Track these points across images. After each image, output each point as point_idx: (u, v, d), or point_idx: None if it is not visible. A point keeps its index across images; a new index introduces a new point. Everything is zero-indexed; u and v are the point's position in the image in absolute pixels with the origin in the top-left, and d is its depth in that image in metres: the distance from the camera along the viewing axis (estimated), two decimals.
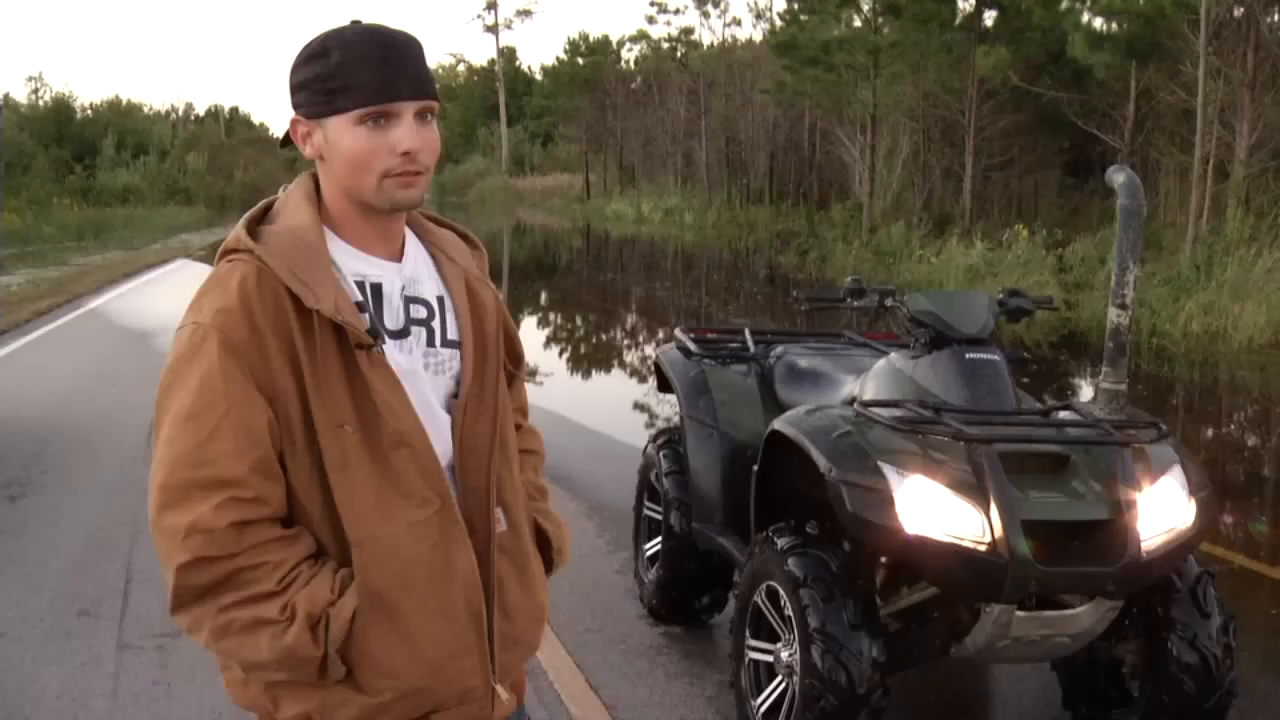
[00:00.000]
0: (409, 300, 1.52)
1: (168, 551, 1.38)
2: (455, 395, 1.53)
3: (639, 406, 8.88)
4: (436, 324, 1.54)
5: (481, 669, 1.51)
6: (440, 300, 1.55)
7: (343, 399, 1.41)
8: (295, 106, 1.46)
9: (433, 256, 1.59)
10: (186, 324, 1.43)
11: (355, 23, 1.45)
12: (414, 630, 1.44)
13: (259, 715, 1.51)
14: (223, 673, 1.52)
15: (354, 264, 1.48)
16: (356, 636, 1.40)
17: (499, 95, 60.76)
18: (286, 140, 1.50)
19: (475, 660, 1.50)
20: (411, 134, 1.42)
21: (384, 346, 1.45)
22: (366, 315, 1.45)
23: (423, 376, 1.50)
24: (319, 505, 1.43)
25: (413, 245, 1.57)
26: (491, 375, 1.57)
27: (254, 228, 1.47)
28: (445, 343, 1.54)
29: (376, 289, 1.49)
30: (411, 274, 1.54)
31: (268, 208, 1.52)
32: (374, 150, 1.41)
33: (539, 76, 64.31)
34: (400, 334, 1.50)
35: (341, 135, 1.42)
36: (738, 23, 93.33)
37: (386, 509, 1.42)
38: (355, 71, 1.40)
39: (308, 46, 1.45)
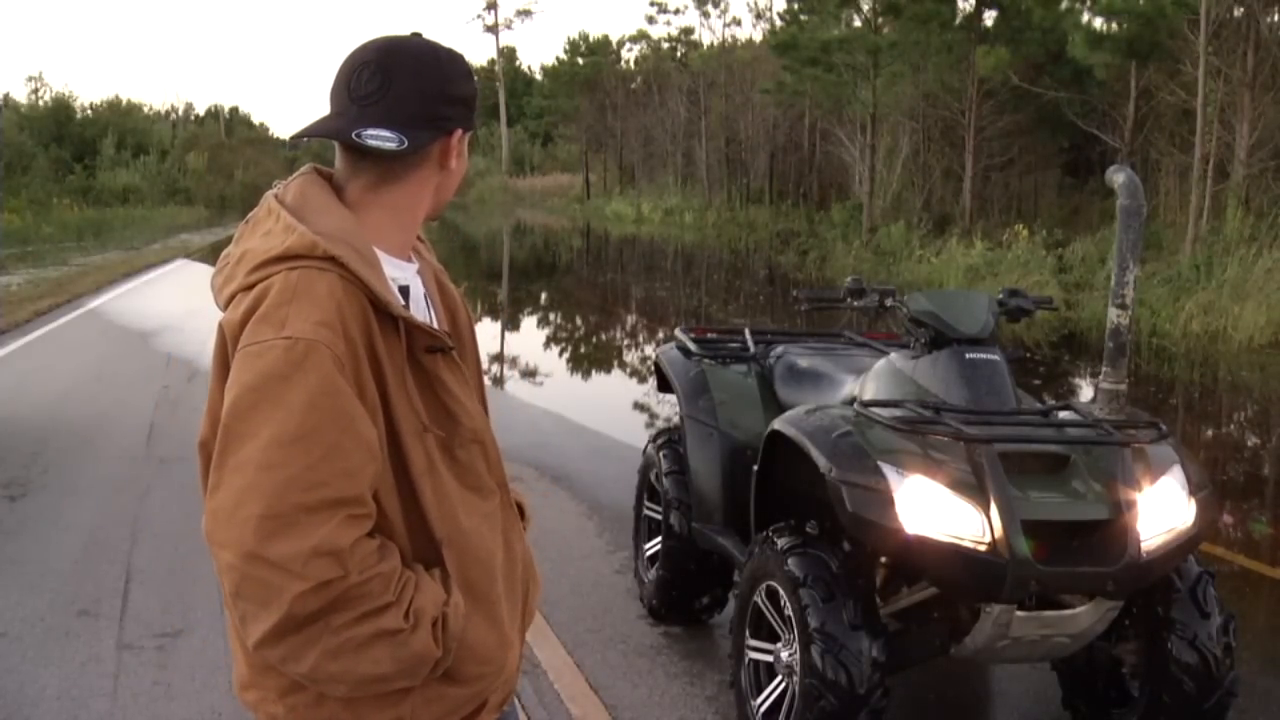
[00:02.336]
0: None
1: (279, 582, 1.27)
2: None
3: (639, 406, 8.88)
4: (432, 321, 1.57)
5: (520, 642, 1.60)
6: (426, 298, 1.58)
7: (420, 404, 1.43)
8: (450, 119, 1.47)
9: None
10: (273, 340, 1.32)
11: (418, 34, 1.50)
12: (499, 615, 1.49)
13: None
14: (285, 698, 1.42)
15: (389, 269, 1.48)
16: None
17: (499, 95, 60.73)
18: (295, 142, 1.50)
19: (518, 635, 1.59)
20: None
21: None
22: None
23: None
24: (399, 511, 1.42)
25: None
26: (471, 362, 1.61)
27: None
28: None
29: (405, 291, 1.50)
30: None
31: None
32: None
33: (539, 76, 64.36)
34: None
35: (464, 149, 1.52)
36: (738, 23, 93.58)
37: (466, 505, 1.47)
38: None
39: (462, 62, 1.49)
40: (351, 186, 1.47)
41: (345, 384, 1.33)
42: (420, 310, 1.52)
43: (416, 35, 1.48)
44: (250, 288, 1.38)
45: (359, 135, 1.39)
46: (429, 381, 1.44)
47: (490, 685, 1.51)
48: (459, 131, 1.48)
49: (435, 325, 1.56)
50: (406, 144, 1.41)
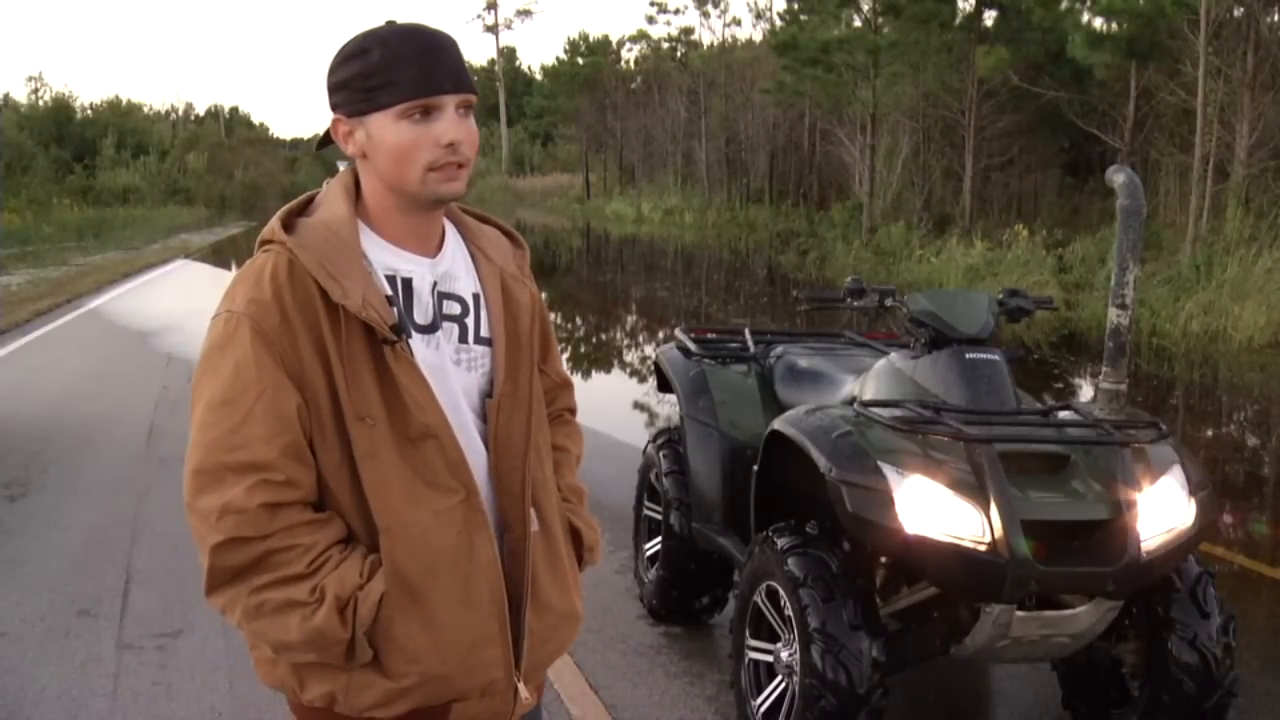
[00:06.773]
0: (443, 296, 1.54)
1: (203, 533, 1.41)
2: (489, 394, 1.56)
3: (639, 406, 8.88)
4: (470, 320, 1.56)
5: (504, 662, 1.53)
6: (476, 297, 1.58)
7: (370, 391, 1.44)
8: (334, 106, 1.49)
9: (471, 254, 1.61)
10: (220, 312, 1.46)
11: (391, 23, 1.48)
12: (438, 616, 1.47)
13: (287, 695, 1.54)
14: (252, 653, 1.55)
15: (386, 258, 1.51)
16: (383, 620, 1.43)
17: (499, 95, 60.71)
18: (325, 141, 1.53)
19: (498, 652, 1.52)
20: (454, 126, 1.46)
21: (410, 341, 1.48)
22: (395, 310, 1.47)
23: (451, 372, 1.53)
24: (348, 492, 1.46)
25: (453, 242, 1.60)
26: (525, 374, 1.59)
27: (290, 219, 1.50)
28: (478, 339, 1.57)
29: (407, 283, 1.51)
30: (448, 270, 1.56)
31: (309, 200, 1.55)
32: (417, 143, 1.45)
33: (539, 76, 64.29)
34: (429, 329, 1.52)
35: (384, 130, 1.45)
36: (738, 23, 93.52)
37: (414, 497, 1.46)
38: (397, 67, 1.43)
39: (346, 46, 1.48)
40: None
41: (268, 356, 1.41)
42: (422, 304, 1.52)
43: (390, 23, 1.50)
44: None
45: None
46: (389, 372, 1.45)
47: (430, 692, 1.48)
48: (340, 117, 1.49)
49: (481, 329, 1.56)
50: (321, 138, 1.53)
